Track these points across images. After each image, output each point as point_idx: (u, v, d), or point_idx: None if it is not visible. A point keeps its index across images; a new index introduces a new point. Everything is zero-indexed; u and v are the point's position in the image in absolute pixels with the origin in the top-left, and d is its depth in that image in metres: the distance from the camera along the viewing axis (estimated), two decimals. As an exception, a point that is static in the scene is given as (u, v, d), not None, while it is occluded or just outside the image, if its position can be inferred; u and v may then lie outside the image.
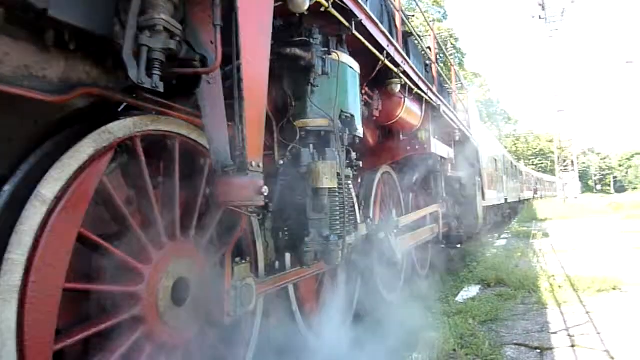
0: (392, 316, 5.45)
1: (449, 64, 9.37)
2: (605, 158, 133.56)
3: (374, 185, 6.25)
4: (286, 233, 3.27)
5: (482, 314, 3.99)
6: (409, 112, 5.30)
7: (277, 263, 3.36)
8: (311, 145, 3.17)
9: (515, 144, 74.16)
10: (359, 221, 5.52)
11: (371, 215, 5.90)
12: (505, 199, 20.02)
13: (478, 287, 5.62)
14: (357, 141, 3.64)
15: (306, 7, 2.58)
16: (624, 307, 4.21)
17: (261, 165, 2.25)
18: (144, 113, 2.38)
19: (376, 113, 4.67)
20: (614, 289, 4.82)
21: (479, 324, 3.79)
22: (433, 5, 40.00)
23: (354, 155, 3.59)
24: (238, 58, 2.11)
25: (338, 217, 3.18)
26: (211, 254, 2.75)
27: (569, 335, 3.51)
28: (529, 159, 79.21)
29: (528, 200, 33.71)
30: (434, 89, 6.13)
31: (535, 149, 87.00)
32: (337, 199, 3.13)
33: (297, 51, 2.93)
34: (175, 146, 2.51)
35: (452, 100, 8.55)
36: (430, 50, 7.27)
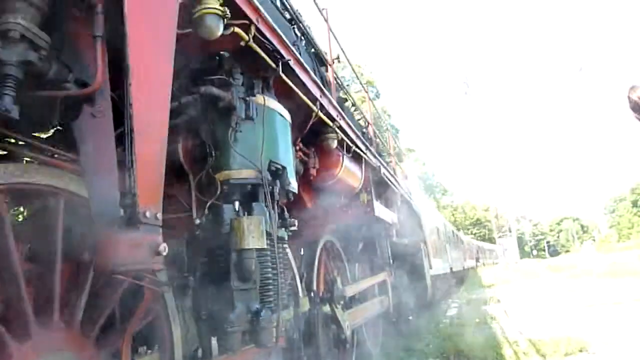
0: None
1: (385, 130, 9.37)
2: (537, 224, 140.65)
3: (316, 254, 5.75)
4: (210, 312, 2.68)
5: (446, 393, 3.45)
6: (349, 172, 4.96)
7: (200, 351, 2.72)
8: (236, 202, 2.67)
9: (453, 214, 76.44)
10: (300, 295, 4.95)
11: (314, 288, 5.37)
12: (451, 268, 19.93)
13: (436, 361, 5.10)
14: (292, 198, 3.18)
15: (219, 32, 2.19)
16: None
17: (159, 217, 1.72)
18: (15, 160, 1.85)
19: (313, 172, 4.28)
20: (580, 351, 4.45)
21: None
22: (366, 84, 42.01)
23: (287, 215, 3.11)
24: (127, 77, 1.65)
25: (271, 287, 2.63)
26: (108, 346, 2.11)
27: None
28: (468, 228, 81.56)
29: (471, 268, 34.04)
30: (373, 150, 5.90)
31: (472, 218, 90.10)
32: (269, 263, 2.61)
33: (214, 90, 2.51)
34: (59, 204, 1.95)
35: (392, 165, 8.42)
36: (367, 114, 7.18)
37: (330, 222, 5.75)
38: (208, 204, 2.60)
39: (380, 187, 6.76)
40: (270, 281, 2.63)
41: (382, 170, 6.13)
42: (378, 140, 7.41)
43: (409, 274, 9.08)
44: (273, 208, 2.75)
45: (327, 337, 4.09)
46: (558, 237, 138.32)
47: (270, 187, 2.78)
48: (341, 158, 4.63)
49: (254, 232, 2.38)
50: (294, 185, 3.13)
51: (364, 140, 5.32)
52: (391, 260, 6.97)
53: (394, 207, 7.60)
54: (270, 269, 2.63)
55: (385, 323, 8.12)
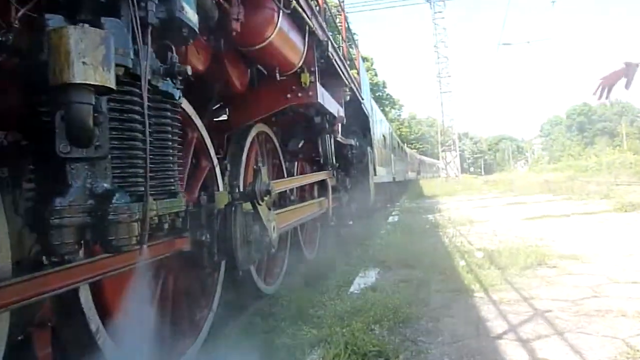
0: (263, 324, 4.07)
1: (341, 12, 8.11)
2: (477, 142, 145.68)
3: (244, 146, 4.77)
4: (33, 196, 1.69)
5: (388, 312, 2.73)
6: (286, 38, 3.87)
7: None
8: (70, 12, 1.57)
9: (399, 128, 76.92)
10: (221, 189, 4.00)
11: (241, 184, 4.44)
12: (394, 178, 19.73)
13: (377, 270, 4.43)
14: (188, 38, 2.10)
15: None
16: (565, 289, 3.25)
17: None
18: None
19: (236, 26, 3.15)
20: (538, 264, 3.90)
21: (387, 330, 2.52)
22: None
23: (176, 59, 2.05)
24: None
25: (134, 158, 1.65)
26: None
27: (520, 340, 2.39)
28: (412, 143, 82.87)
29: (412, 180, 34.55)
30: (321, 20, 4.76)
31: (417, 133, 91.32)
32: (130, 117, 1.60)
33: None
34: None
35: (343, 51, 7.31)
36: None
37: (264, 109, 4.73)
38: (20, 13, 1.49)
39: (327, 72, 5.71)
40: (133, 150, 1.64)
41: (330, 47, 5.04)
42: (329, 15, 6.21)
43: (352, 178, 8.37)
44: (144, 37, 1.68)
45: (245, 239, 3.23)
46: (495, 156, 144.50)
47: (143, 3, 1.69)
48: (276, 15, 3.51)
49: (87, 54, 1.33)
50: (190, 17, 2.04)
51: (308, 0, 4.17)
52: (334, 161, 6.11)
53: (341, 100, 6.62)
54: (131, 129, 1.63)
55: (325, 229, 7.49)
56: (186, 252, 3.04)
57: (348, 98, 6.97)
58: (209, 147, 3.89)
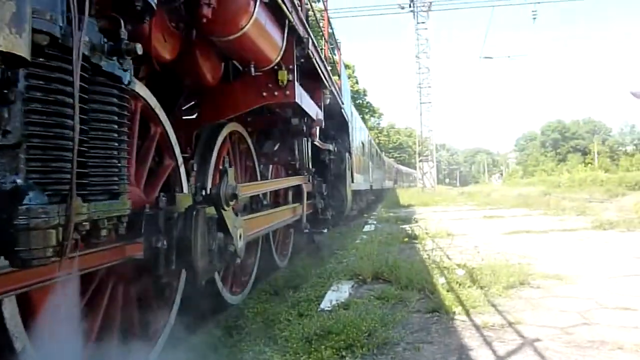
0: (225, 338, 3.77)
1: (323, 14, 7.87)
2: (454, 154, 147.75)
3: (215, 146, 4.46)
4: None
5: (361, 335, 2.44)
6: (263, 31, 3.58)
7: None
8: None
9: (378, 137, 77.22)
10: (184, 191, 3.70)
11: (209, 186, 4.12)
12: (371, 186, 19.56)
13: (350, 283, 4.14)
14: (142, 10, 1.80)
15: None
16: (553, 314, 3.01)
17: None
18: None
19: (207, 12, 2.85)
20: (521, 284, 3.67)
21: (359, 358, 2.22)
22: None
23: (125, 33, 1.74)
24: None
25: (58, 148, 1.34)
26: None
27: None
28: (390, 152, 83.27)
29: (389, 189, 34.54)
30: (302, 15, 4.48)
31: (395, 142, 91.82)
32: (56, 98, 1.29)
33: None
34: None
35: (325, 52, 7.05)
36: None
37: (237, 106, 4.43)
38: None
39: (306, 72, 5.44)
40: (60, 139, 1.33)
41: (311, 46, 4.77)
42: (311, 14, 5.95)
43: (329, 184, 8.11)
44: (79, 1, 1.37)
45: (207, 247, 2.91)
46: (471, 168, 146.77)
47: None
48: (252, 3, 3.22)
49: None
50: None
51: (289, -8, 3.89)
52: (310, 165, 5.82)
53: (321, 103, 6.36)
54: (59, 114, 1.32)
55: (298, 234, 7.19)
56: (140, 260, 2.72)
57: (328, 101, 6.71)
58: (173, 143, 3.57)
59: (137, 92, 3.06)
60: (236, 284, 5.13)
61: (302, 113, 5.17)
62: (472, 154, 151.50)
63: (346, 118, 9.09)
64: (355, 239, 7.72)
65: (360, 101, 64.54)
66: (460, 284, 3.57)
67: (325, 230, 7.38)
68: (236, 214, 3.14)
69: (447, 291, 3.42)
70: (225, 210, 2.86)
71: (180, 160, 3.68)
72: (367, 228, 9.74)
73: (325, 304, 3.39)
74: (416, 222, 9.63)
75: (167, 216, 2.91)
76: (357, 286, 4.01)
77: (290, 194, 6.53)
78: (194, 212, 2.87)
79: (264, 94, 4.32)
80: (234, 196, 2.83)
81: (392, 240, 6.27)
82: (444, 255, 5.01)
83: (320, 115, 5.96)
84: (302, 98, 4.67)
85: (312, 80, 6.05)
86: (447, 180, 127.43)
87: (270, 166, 6.60)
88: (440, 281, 3.61)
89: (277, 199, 6.86)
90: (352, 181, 10.20)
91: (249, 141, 5.46)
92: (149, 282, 3.08)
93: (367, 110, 67.26)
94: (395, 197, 24.02)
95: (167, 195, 3.02)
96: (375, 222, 11.35)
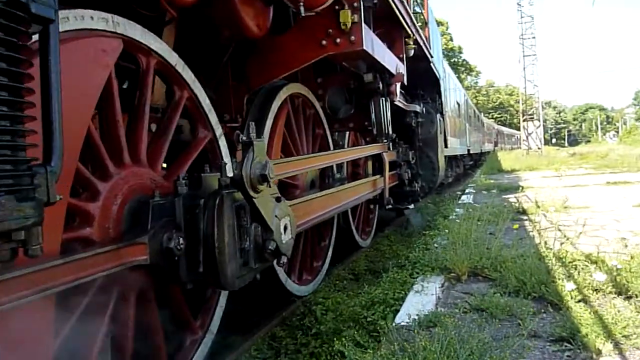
0: (288, 340, 3.10)
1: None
2: (561, 112, 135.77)
3: (269, 112, 3.71)
4: None
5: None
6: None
7: None
8: None
9: (475, 97, 72.64)
10: (229, 169, 2.94)
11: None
12: (468, 150, 17.96)
13: (439, 281, 3.21)
14: None
15: None
16: None
17: None
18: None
19: None
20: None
21: None
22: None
23: None
24: None
25: None
26: None
27: None
28: (489, 112, 78.28)
29: (488, 152, 32.10)
30: None
31: (495, 102, 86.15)
32: None
33: None
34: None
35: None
36: None
37: (292, 62, 3.60)
38: None
39: (381, 16, 4.47)
40: None
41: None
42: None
43: (417, 151, 7.08)
44: None
45: (238, 246, 2.18)
46: (581, 126, 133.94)
47: None
48: None
49: None
50: None
51: None
52: (389, 130, 4.87)
53: (402, 55, 5.33)
54: None
55: (382, 209, 6.33)
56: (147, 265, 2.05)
57: (412, 53, 5.65)
58: (207, 111, 2.85)
59: (147, 46, 2.35)
60: (306, 270, 4.43)
61: (376, 66, 4.22)
62: (582, 111, 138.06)
63: (437, 74, 7.90)
64: (449, 213, 6.67)
65: (455, 59, 60.84)
66: (598, 291, 2.51)
67: (412, 206, 6.41)
68: (277, 199, 2.35)
69: (579, 302, 2.39)
70: (255, 196, 2.07)
71: (219, 131, 2.95)
72: (463, 199, 8.58)
73: (402, 317, 2.53)
74: (522, 190, 8.27)
75: (188, 205, 2.21)
76: (447, 286, 3.08)
77: (369, 164, 5.65)
78: (217, 200, 2.13)
79: (324, 42, 3.44)
80: (263, 178, 2.03)
81: (494, 217, 5.16)
82: (565, 241, 3.87)
83: (402, 69, 4.95)
84: (374, 46, 3.72)
85: (390, 26, 5.04)
86: (553, 141, 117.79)
87: (347, 133, 5.76)
88: (567, 286, 2.56)
89: (357, 169, 6.02)
90: (446, 146, 9.03)
91: (317, 105, 4.65)
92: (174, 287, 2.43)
93: (463, 69, 63.44)
94: (496, 162, 22.02)
95: (188, 176, 2.31)
96: (473, 192, 10.09)
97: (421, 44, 6.04)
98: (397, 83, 4.71)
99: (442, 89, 8.57)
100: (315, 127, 4.75)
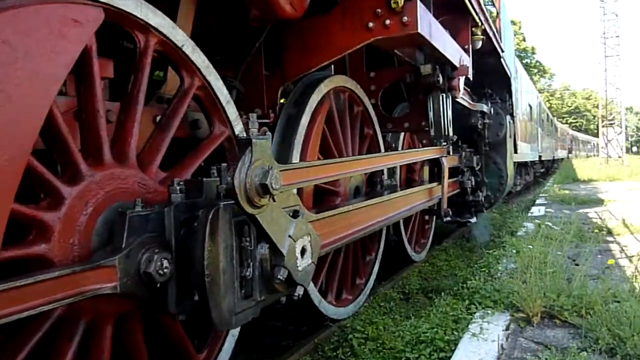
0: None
1: None
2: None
3: (306, 106, 3.23)
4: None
5: None
6: None
7: None
8: None
9: (549, 100, 68.68)
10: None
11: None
12: (540, 156, 16.63)
13: (503, 322, 2.56)
14: None
15: None
16: None
17: None
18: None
19: None
20: None
21: None
22: None
23: None
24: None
25: None
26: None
27: None
28: (563, 117, 73.84)
29: (561, 160, 29.93)
30: None
31: (570, 106, 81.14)
32: None
33: None
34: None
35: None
36: None
37: (333, 47, 3.09)
38: None
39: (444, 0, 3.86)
40: None
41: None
42: None
43: (482, 156, 6.35)
44: None
45: (236, 274, 1.69)
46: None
47: None
48: None
49: None
50: None
51: None
52: (450, 130, 4.23)
53: (468, 46, 4.66)
54: None
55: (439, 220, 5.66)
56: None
57: (480, 45, 4.96)
58: (223, 103, 2.39)
59: (144, 20, 1.93)
60: (346, 289, 3.89)
61: (435, 56, 3.60)
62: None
63: (507, 72, 7.09)
64: (518, 227, 5.88)
65: (528, 60, 57.75)
66: None
67: (474, 219, 5.68)
68: (294, 214, 1.84)
69: None
70: (252, 212, 1.57)
71: (239, 127, 2.49)
72: (534, 211, 7.67)
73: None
74: (603, 204, 7.26)
75: (183, 217, 1.76)
76: (514, 330, 2.43)
77: (425, 170, 5.03)
78: (210, 214, 1.65)
79: (370, 25, 2.89)
80: (264, 189, 1.51)
81: (572, 236, 4.37)
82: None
83: (467, 62, 4.29)
84: (432, 30, 3.11)
85: (455, 13, 4.40)
86: (634, 149, 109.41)
87: (402, 135, 5.15)
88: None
89: (413, 175, 5.41)
90: (515, 151, 8.16)
91: (366, 101, 4.09)
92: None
93: (536, 71, 60.27)
94: (570, 170, 20.34)
95: (185, 181, 1.86)
96: (545, 202, 9.10)
97: (491, 35, 5.32)
98: (460, 77, 4.06)
99: (513, 88, 7.72)
100: (364, 127, 4.20)
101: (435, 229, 6.35)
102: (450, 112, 4.19)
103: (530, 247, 3.75)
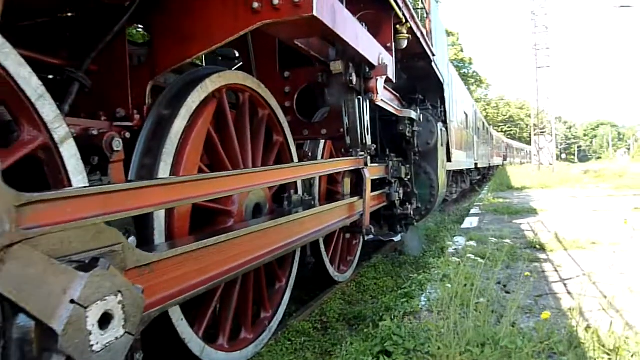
0: None
1: None
2: (571, 127, 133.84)
3: (182, 107, 2.59)
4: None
5: None
6: None
7: None
8: None
9: (485, 109, 71.25)
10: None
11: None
12: (476, 164, 16.73)
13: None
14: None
15: None
16: None
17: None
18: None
19: None
20: None
21: None
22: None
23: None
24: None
25: None
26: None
27: None
28: (499, 125, 76.92)
29: (497, 167, 30.72)
30: None
31: (505, 115, 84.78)
32: None
33: None
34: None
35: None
36: None
37: (211, 33, 2.47)
38: None
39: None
40: None
41: None
42: None
43: (412, 165, 5.92)
44: None
45: None
46: (591, 142, 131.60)
47: None
48: None
49: None
50: None
51: None
52: (367, 139, 3.71)
53: (391, 44, 4.18)
54: None
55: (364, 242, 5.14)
56: None
57: (405, 44, 4.48)
58: (31, 98, 1.70)
59: None
60: (246, 328, 3.25)
61: (347, 52, 3.06)
62: (593, 127, 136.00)
63: (440, 77, 6.73)
64: (448, 243, 5.47)
65: (466, 70, 59.54)
66: None
67: (398, 238, 5.20)
68: (83, 266, 1.19)
69: None
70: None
71: (61, 132, 1.83)
72: (467, 223, 7.36)
73: None
74: (536, 214, 7.05)
75: None
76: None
77: (346, 182, 4.49)
78: None
79: (255, 5, 2.29)
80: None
81: (502, 255, 3.96)
82: (606, 304, 2.66)
83: (388, 61, 3.78)
84: (337, 17, 2.56)
85: (375, 5, 3.90)
86: (563, 156, 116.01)
87: (322, 143, 4.59)
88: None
89: (336, 187, 4.85)
90: (449, 159, 7.85)
91: (274, 104, 3.49)
92: None
93: (473, 81, 62.22)
94: (505, 177, 20.72)
95: None
96: (479, 212, 8.87)
97: (418, 35, 4.88)
98: (378, 77, 3.54)
99: (446, 94, 7.40)
100: (272, 133, 3.61)
101: (366, 242, 5.84)
102: (368, 118, 3.67)
103: (457, 269, 3.28)
